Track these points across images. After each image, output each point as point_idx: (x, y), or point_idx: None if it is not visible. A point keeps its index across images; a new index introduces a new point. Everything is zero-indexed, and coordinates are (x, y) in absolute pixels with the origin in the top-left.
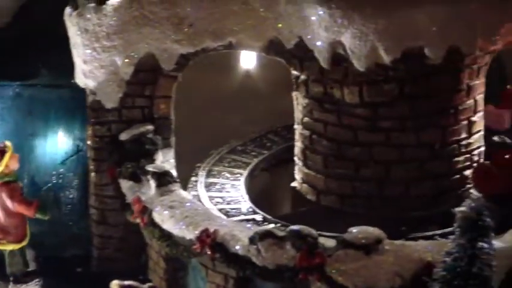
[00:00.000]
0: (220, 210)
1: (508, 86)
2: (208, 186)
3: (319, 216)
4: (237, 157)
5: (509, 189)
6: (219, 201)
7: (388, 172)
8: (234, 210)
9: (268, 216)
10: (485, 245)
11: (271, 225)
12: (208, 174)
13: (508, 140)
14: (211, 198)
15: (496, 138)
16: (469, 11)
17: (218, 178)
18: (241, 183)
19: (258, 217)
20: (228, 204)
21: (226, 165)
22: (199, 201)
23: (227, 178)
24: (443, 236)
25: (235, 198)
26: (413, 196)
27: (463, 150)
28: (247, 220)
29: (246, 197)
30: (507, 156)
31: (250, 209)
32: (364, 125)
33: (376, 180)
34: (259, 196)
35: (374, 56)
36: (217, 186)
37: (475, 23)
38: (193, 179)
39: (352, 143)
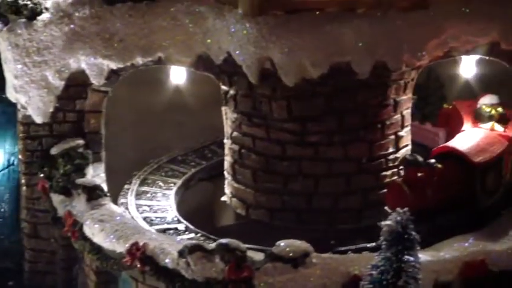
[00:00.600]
0: (144, 218)
1: (445, 105)
2: (140, 195)
3: (249, 230)
4: (175, 167)
5: (420, 207)
6: (146, 209)
7: (317, 186)
8: (158, 219)
9: (191, 226)
10: (411, 258)
11: (201, 239)
12: (142, 183)
13: (420, 159)
14: (138, 206)
15: (408, 156)
16: (395, 28)
17: (151, 187)
18: (172, 193)
19: (181, 226)
20: (154, 212)
21: (163, 174)
22: (127, 208)
23: (160, 187)
24: (371, 249)
25: (163, 207)
26: (341, 209)
27: (391, 164)
28: (169, 229)
29: (174, 206)
30: (420, 175)
31: (175, 218)
32: (293, 139)
33: (304, 194)
34: (195, 206)
35: (302, 71)
36: (148, 195)
37: (401, 40)
38: (126, 186)
39: (280, 157)
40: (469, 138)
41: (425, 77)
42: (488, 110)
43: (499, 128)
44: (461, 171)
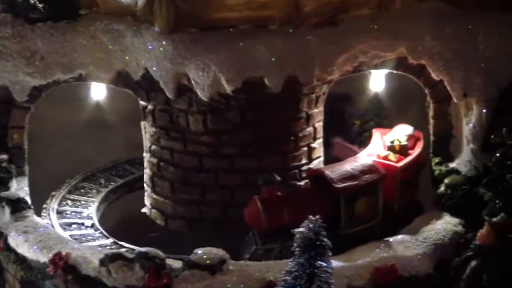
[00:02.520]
0: (71, 236)
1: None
2: (61, 213)
3: (168, 240)
4: (92, 185)
5: (274, 225)
6: (70, 228)
7: (233, 196)
8: (84, 237)
9: (118, 241)
10: (324, 264)
11: (122, 249)
12: (61, 202)
13: (277, 178)
14: (63, 225)
15: (265, 175)
16: (306, 44)
17: (71, 206)
18: (93, 210)
19: (108, 241)
20: (79, 230)
21: (82, 191)
22: (52, 227)
23: (80, 205)
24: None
25: (87, 224)
26: None
27: (304, 175)
28: (99, 245)
29: (97, 223)
30: (278, 194)
31: (100, 234)
32: (209, 151)
33: (221, 204)
34: (114, 222)
35: (216, 86)
36: (68, 214)
37: (312, 55)
38: (45, 206)
39: (197, 169)
40: (346, 164)
41: (366, 103)
42: (391, 140)
43: (392, 158)
44: (326, 195)
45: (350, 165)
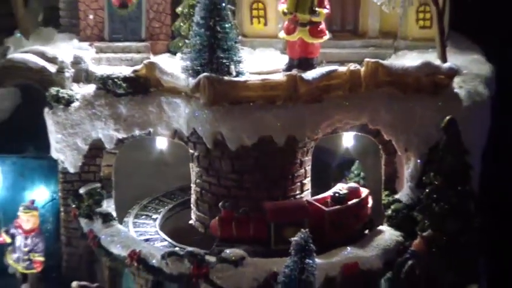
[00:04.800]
0: (142, 239)
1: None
2: (135, 224)
3: (206, 243)
4: (156, 205)
5: (226, 237)
6: (142, 234)
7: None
8: (151, 240)
9: (173, 243)
10: (310, 261)
11: (176, 248)
12: (136, 216)
13: (231, 206)
14: (136, 232)
15: (225, 203)
16: (301, 114)
17: (141, 219)
18: (157, 222)
19: (166, 243)
20: (147, 235)
21: (149, 208)
22: (130, 233)
23: (148, 219)
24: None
25: (153, 231)
26: None
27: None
28: (161, 246)
29: (159, 230)
30: (230, 216)
31: (161, 238)
32: (234, 185)
33: None
34: (170, 230)
35: (240, 141)
36: (140, 224)
37: (304, 121)
38: (125, 219)
39: (226, 196)
40: (288, 202)
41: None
42: (334, 191)
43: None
44: (264, 221)
45: (283, 204)
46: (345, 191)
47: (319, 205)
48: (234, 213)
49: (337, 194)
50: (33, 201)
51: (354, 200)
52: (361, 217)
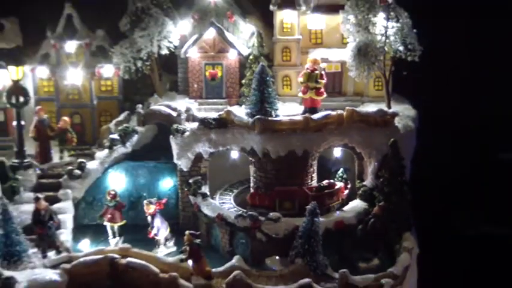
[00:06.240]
0: (223, 207)
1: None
2: (220, 199)
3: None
4: (231, 189)
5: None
6: (223, 205)
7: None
8: (228, 208)
9: (240, 209)
10: (317, 220)
11: (240, 212)
12: (220, 195)
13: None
14: (220, 203)
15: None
16: (312, 137)
17: (223, 196)
18: (231, 198)
19: (235, 209)
20: (226, 205)
21: (227, 191)
22: (216, 204)
23: (226, 196)
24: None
25: (229, 203)
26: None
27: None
28: (234, 211)
29: (233, 202)
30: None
31: (234, 207)
32: (272, 178)
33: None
34: (238, 203)
35: (277, 153)
36: (222, 199)
37: (313, 142)
38: (213, 197)
39: (268, 185)
40: (288, 188)
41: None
42: (320, 183)
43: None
44: (273, 198)
45: (285, 189)
46: (325, 184)
47: (307, 191)
48: (258, 192)
49: (320, 185)
50: (150, 200)
51: (329, 190)
52: (334, 199)
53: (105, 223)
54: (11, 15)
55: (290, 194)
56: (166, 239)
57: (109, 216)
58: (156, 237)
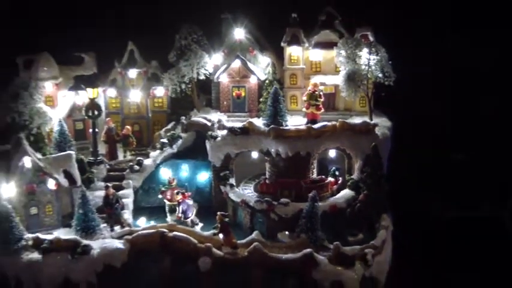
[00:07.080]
0: (246, 194)
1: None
2: (243, 188)
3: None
4: (251, 181)
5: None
6: (245, 191)
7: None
8: (248, 195)
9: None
10: (317, 204)
11: (256, 197)
12: (244, 185)
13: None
14: (243, 190)
15: (264, 178)
16: (312, 142)
17: (245, 185)
18: (252, 188)
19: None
20: (247, 192)
21: (248, 182)
22: (240, 191)
23: (247, 185)
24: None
25: (251, 191)
26: None
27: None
28: (253, 196)
29: (252, 190)
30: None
31: (253, 193)
32: (283, 171)
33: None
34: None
35: (287, 152)
36: (245, 187)
37: (314, 145)
38: (238, 186)
39: (279, 175)
40: (287, 180)
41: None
42: (315, 177)
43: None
44: (276, 187)
45: (285, 181)
46: (317, 179)
47: (302, 183)
48: (266, 182)
49: (313, 179)
50: (183, 193)
51: (320, 184)
52: (324, 190)
53: (165, 201)
54: (89, 51)
55: (289, 185)
56: (194, 223)
57: (168, 197)
58: (182, 220)
